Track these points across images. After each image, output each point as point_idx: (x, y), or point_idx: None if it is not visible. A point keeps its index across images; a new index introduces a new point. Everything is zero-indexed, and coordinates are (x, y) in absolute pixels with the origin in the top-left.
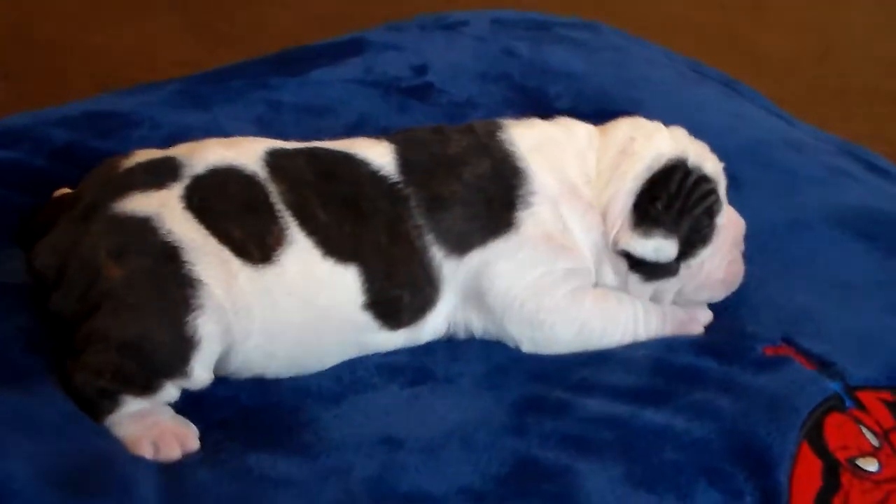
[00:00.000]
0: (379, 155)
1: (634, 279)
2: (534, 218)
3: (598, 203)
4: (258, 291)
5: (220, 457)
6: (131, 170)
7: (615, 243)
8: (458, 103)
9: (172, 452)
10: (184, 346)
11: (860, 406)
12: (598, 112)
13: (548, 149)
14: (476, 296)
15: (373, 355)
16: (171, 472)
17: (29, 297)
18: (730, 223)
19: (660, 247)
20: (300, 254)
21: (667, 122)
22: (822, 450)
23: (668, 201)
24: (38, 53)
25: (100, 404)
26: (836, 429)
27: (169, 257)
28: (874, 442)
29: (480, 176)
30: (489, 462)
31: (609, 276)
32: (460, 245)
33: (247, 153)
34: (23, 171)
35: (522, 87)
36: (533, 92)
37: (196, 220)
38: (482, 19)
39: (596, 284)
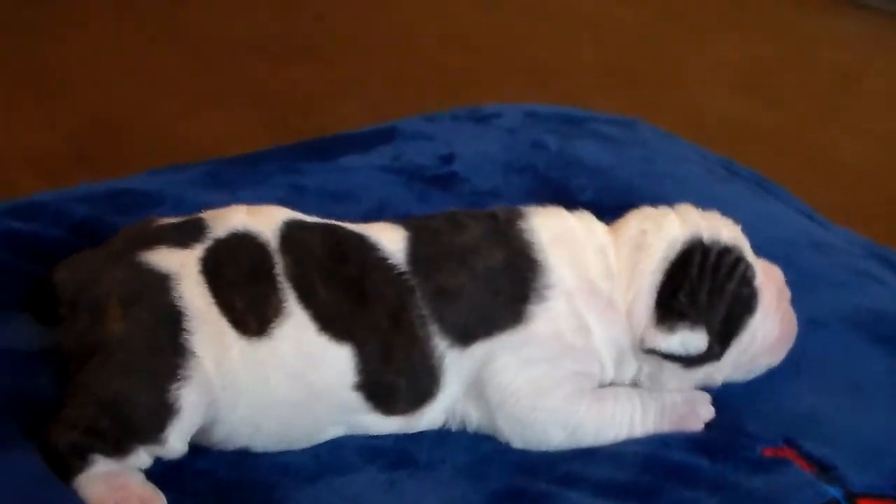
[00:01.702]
0: (391, 241)
1: (672, 369)
2: (547, 313)
3: (622, 303)
4: (250, 364)
5: None
6: (164, 226)
7: (641, 342)
8: (480, 192)
9: None
10: (162, 413)
11: None
12: (622, 205)
13: (569, 242)
14: (476, 386)
15: (358, 436)
16: None
17: (21, 362)
18: (767, 278)
19: (686, 340)
20: (295, 327)
21: None
22: None
23: (692, 288)
24: (118, 139)
25: (70, 461)
26: None
27: (171, 321)
28: None
29: (491, 268)
30: None
31: (630, 373)
32: (465, 336)
33: (266, 221)
34: (37, 242)
35: (546, 178)
36: (556, 183)
37: (206, 286)
38: (516, 112)
39: (612, 382)
